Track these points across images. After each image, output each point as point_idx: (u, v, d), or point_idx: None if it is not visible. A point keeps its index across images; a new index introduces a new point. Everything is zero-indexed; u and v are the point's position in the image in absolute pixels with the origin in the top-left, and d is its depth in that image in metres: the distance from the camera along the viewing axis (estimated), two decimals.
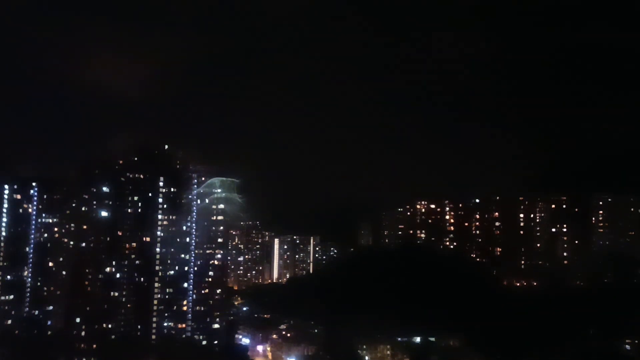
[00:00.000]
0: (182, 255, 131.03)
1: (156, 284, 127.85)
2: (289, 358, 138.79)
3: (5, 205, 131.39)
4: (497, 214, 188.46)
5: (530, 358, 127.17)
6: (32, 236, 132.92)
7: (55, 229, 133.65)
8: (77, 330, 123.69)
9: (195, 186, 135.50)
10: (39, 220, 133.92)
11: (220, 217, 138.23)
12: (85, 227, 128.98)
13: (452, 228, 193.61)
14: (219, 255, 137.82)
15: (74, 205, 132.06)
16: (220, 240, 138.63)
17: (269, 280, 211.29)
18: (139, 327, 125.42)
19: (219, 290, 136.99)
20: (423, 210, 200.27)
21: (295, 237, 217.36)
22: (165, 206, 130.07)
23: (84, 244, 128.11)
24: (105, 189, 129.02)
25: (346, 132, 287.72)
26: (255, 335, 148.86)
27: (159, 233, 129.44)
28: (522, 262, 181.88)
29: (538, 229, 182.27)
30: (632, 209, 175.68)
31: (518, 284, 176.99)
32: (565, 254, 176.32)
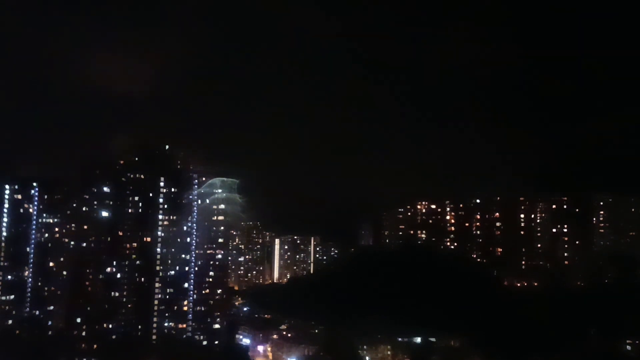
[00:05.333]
0: (183, 256, 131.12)
1: (157, 284, 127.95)
2: (289, 358, 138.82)
3: (6, 206, 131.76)
4: (497, 214, 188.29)
5: (530, 358, 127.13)
6: (33, 236, 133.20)
7: (56, 229, 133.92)
8: (77, 331, 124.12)
9: (196, 186, 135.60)
10: (40, 220, 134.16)
11: (220, 217, 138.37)
12: (85, 227, 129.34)
13: (452, 228, 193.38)
14: (219, 256, 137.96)
15: (74, 205, 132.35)
16: (220, 240, 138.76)
17: (270, 281, 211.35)
18: (139, 327, 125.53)
19: (220, 290, 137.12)
20: (423, 210, 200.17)
21: (295, 237, 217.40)
22: (165, 206, 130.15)
23: (84, 244, 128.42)
24: (105, 189, 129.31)
25: (347, 132, 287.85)
26: (255, 335, 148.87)
27: (159, 233, 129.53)
28: (523, 262, 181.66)
29: (539, 229, 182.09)
30: (632, 209, 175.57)
31: (519, 284, 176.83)
32: (565, 254, 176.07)
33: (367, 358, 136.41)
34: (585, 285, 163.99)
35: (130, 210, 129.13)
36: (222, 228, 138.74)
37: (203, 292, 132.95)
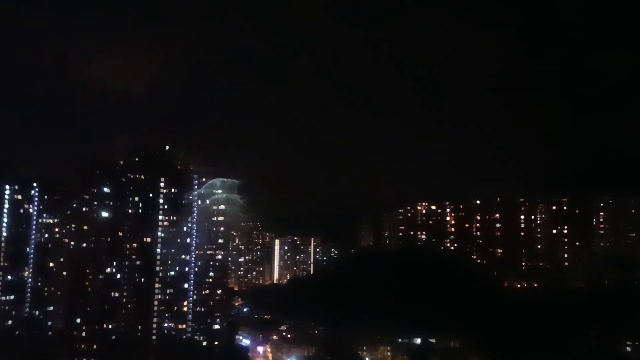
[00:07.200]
0: (183, 256, 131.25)
1: (157, 285, 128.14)
2: (289, 359, 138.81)
3: (6, 206, 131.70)
4: (497, 215, 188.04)
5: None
6: (33, 236, 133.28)
7: (56, 230, 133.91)
8: (77, 331, 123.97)
9: (196, 187, 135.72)
10: (40, 220, 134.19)
11: (220, 218, 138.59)
12: (85, 227, 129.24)
13: (452, 229, 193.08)
14: (219, 256, 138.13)
15: (74, 205, 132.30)
16: (220, 241, 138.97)
17: (270, 281, 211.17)
18: (139, 327, 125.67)
19: (220, 291, 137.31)
20: (423, 211, 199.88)
21: (295, 238, 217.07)
22: (166, 207, 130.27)
23: (84, 245, 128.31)
24: (106, 189, 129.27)
25: (347, 133, 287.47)
26: (255, 336, 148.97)
27: (159, 234, 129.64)
28: (523, 263, 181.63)
29: (539, 230, 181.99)
30: (633, 211, 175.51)
31: (519, 286, 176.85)
32: (565, 255, 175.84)
33: (367, 359, 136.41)
34: (585, 287, 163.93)
35: (130, 211, 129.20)
36: (222, 229, 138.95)
37: (203, 292, 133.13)
